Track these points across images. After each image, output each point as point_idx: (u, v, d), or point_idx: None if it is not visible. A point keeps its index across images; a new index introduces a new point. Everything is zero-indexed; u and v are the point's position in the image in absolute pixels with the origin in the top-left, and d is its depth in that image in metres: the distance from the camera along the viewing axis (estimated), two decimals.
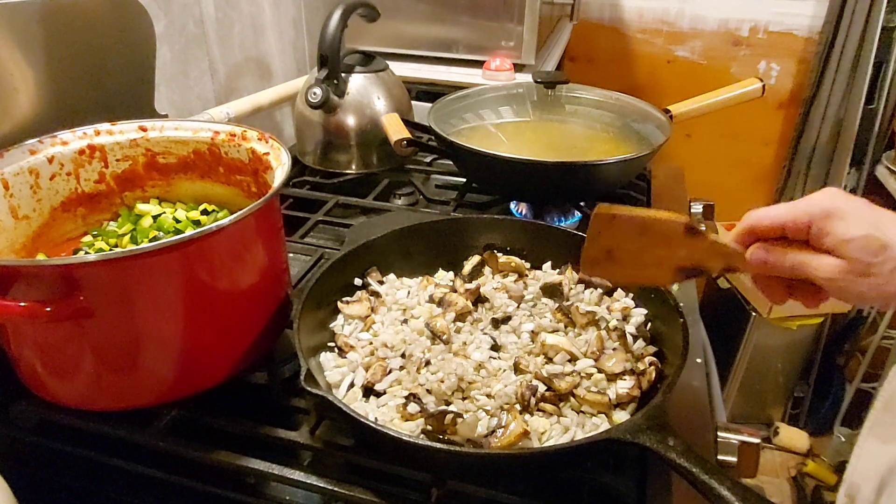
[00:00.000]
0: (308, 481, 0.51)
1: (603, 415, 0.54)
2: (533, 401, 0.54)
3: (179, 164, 0.70)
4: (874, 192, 1.83)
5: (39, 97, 0.66)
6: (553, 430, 0.52)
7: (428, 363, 0.58)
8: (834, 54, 1.77)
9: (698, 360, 0.68)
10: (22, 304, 0.46)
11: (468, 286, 0.67)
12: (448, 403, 0.54)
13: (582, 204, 0.95)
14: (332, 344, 0.62)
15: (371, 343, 0.61)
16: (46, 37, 0.65)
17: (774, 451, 1.96)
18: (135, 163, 0.69)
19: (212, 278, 0.54)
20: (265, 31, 1.24)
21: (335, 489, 0.51)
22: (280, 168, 0.61)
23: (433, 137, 0.95)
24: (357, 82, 1.04)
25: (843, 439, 1.87)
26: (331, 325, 0.64)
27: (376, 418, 0.53)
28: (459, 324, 0.62)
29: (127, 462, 0.55)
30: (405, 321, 0.63)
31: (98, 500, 0.56)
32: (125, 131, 0.68)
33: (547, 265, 0.72)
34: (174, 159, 0.70)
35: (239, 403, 0.59)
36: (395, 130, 0.94)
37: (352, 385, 0.57)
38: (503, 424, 0.51)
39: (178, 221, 0.69)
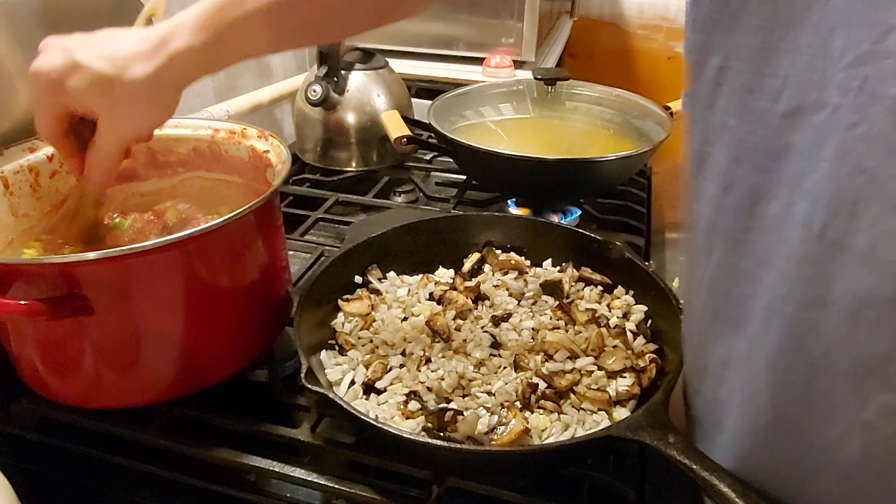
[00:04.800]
0: (309, 479, 0.51)
1: (603, 412, 0.54)
2: (533, 398, 0.54)
3: (179, 162, 0.70)
4: None
5: None
6: (553, 428, 0.52)
7: (428, 361, 0.58)
8: None
9: None
10: (22, 302, 0.46)
11: (468, 284, 0.67)
12: (448, 401, 0.54)
13: (582, 201, 0.95)
14: (332, 341, 0.62)
15: (371, 341, 0.61)
16: (47, 35, 0.65)
17: None
18: (134, 161, 0.69)
19: (212, 276, 0.54)
20: None
21: (336, 486, 0.51)
22: (280, 166, 0.61)
23: (433, 135, 0.95)
24: (357, 79, 1.04)
25: None
26: (331, 323, 0.64)
27: (377, 416, 0.53)
28: (460, 321, 0.62)
29: (128, 459, 0.55)
30: (405, 319, 0.63)
31: (99, 498, 0.56)
32: None
33: (547, 262, 0.72)
34: (174, 157, 0.70)
35: (239, 401, 0.59)
36: (395, 128, 0.94)
37: (352, 383, 0.57)
38: (504, 422, 0.51)
39: None
